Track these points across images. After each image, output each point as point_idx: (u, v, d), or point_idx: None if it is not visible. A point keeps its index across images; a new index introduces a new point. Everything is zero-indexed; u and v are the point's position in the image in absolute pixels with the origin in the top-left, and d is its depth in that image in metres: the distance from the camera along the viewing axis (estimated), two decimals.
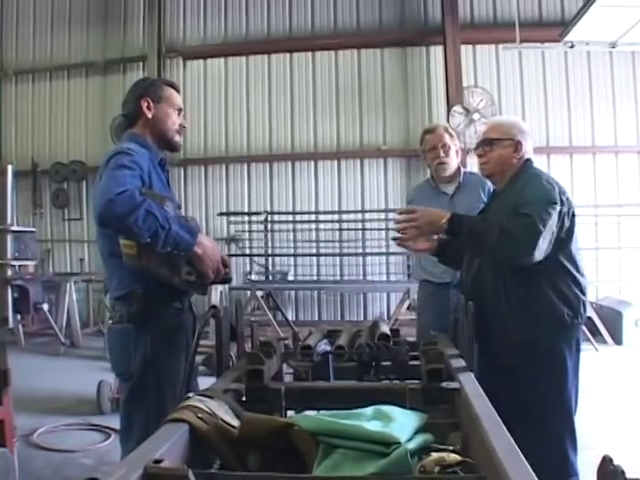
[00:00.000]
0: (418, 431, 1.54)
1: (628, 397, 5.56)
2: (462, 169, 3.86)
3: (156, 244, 2.18)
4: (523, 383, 2.52)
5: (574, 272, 2.60)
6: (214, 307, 2.14)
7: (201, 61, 10.26)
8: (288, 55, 10.11)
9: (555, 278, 2.56)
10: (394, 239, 2.85)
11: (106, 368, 6.46)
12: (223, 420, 1.54)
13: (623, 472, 0.73)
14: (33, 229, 9.22)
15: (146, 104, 2.56)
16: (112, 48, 10.41)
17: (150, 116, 2.57)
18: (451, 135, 3.80)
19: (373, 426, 1.50)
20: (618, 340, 8.05)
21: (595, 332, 7.78)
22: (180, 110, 2.68)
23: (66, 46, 10.55)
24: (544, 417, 2.53)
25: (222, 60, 10.24)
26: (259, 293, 8.68)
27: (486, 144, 2.77)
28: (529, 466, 1.14)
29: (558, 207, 2.48)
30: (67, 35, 10.54)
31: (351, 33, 10.01)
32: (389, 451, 1.38)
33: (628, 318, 8.07)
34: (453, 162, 3.75)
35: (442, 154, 3.71)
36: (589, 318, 7.08)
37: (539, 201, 2.49)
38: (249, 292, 8.76)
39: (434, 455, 1.41)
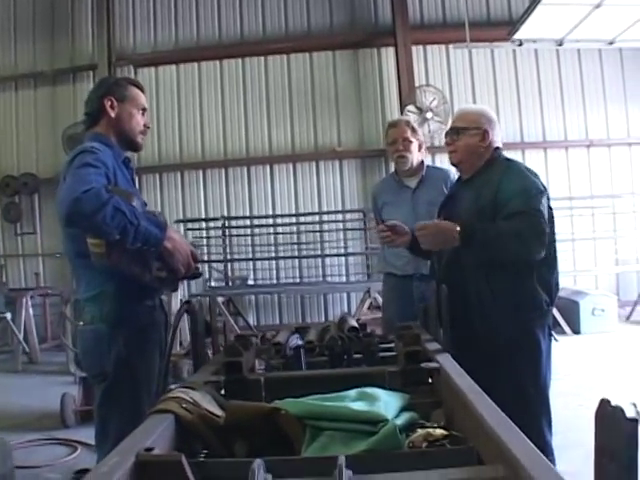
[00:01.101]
0: (403, 409, 1.56)
1: (590, 383, 5.67)
2: (425, 163, 3.91)
3: (126, 240, 2.15)
4: (501, 365, 2.55)
5: (556, 260, 2.67)
6: (188, 302, 2.13)
7: (152, 68, 10.10)
8: (240, 60, 10.05)
9: (540, 266, 2.62)
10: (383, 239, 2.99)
11: (68, 382, 6.40)
12: (207, 410, 1.53)
13: (622, 411, 0.75)
14: None
15: (109, 103, 2.53)
16: (61, 57, 10.16)
17: (113, 115, 2.54)
18: (413, 130, 3.83)
19: (359, 406, 1.50)
20: (576, 329, 8.20)
21: (554, 323, 7.91)
22: (144, 110, 2.65)
23: (12, 56, 10.25)
24: (522, 399, 2.57)
25: (173, 67, 10.12)
26: (219, 299, 8.63)
27: (454, 133, 2.81)
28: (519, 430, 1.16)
29: (545, 195, 2.56)
30: (13, 45, 10.26)
31: (302, 36, 10.01)
32: (377, 429, 1.39)
33: (585, 307, 8.23)
34: (414, 156, 3.78)
35: (401, 148, 3.75)
36: None
37: (529, 192, 2.55)
38: (209, 298, 8.68)
39: (421, 431, 1.43)
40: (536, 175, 2.68)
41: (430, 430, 1.43)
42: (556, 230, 2.75)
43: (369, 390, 1.62)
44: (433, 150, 8.49)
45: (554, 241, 2.71)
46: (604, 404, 0.77)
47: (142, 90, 2.67)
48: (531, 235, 2.48)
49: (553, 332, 7.25)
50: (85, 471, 1.12)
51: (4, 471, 0.99)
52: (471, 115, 2.86)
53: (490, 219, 2.58)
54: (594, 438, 0.80)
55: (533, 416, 2.61)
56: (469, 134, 2.77)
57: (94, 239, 2.20)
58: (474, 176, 2.80)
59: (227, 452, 1.49)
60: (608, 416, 0.76)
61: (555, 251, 2.70)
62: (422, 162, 3.86)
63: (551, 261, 2.67)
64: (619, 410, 0.75)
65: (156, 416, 1.45)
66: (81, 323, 2.43)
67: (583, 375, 6.02)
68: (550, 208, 2.67)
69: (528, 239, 2.48)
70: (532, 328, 2.65)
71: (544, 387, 2.69)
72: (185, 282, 8.76)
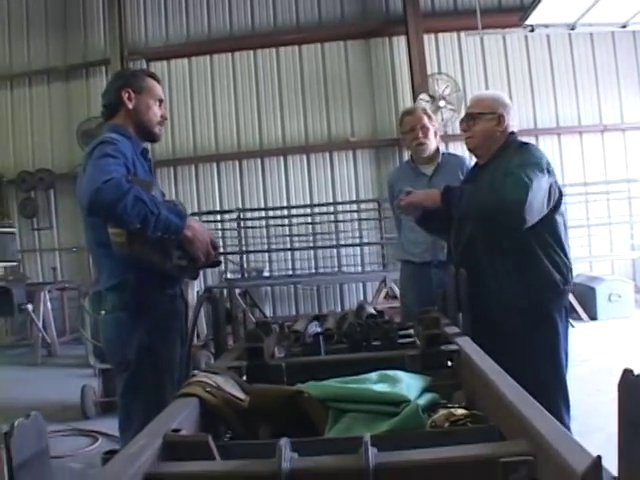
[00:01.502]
0: (424, 391, 1.57)
1: (607, 369, 5.65)
2: (441, 150, 3.91)
3: (147, 229, 2.17)
4: (518, 348, 2.55)
5: (563, 242, 2.68)
6: (209, 290, 2.15)
7: (164, 62, 10.12)
8: (252, 52, 10.06)
9: (547, 247, 2.63)
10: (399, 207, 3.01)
11: (87, 374, 6.44)
12: (231, 394, 1.55)
13: None
14: (13, 229, 9.12)
15: (127, 95, 2.56)
16: (73, 53, 10.22)
17: (131, 107, 2.56)
18: (429, 117, 3.83)
19: (380, 388, 1.52)
20: (592, 316, 8.19)
21: (570, 309, 7.88)
22: (161, 101, 2.68)
23: (25, 53, 10.34)
24: (539, 381, 2.57)
25: (186, 60, 10.15)
26: (236, 291, 8.66)
27: (470, 119, 2.83)
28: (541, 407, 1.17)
29: (547, 174, 2.55)
30: (26, 42, 10.33)
31: (314, 27, 10.00)
32: (399, 410, 1.41)
33: (601, 293, 8.22)
34: (432, 143, 3.79)
35: (421, 135, 3.75)
36: None
37: (526, 164, 2.54)
38: (227, 289, 8.72)
39: (443, 411, 1.44)
40: (542, 157, 2.67)
41: (452, 410, 1.44)
42: (571, 216, 2.75)
43: (390, 372, 1.63)
44: (446, 138, 8.47)
45: (556, 223, 2.68)
46: (627, 374, 0.79)
47: (158, 81, 2.70)
48: (510, 192, 2.44)
49: (569, 318, 7.24)
50: (114, 452, 1.14)
51: (40, 448, 1.00)
52: (486, 101, 2.87)
53: None
54: (617, 408, 0.81)
55: (551, 399, 2.60)
56: (485, 119, 2.79)
57: (115, 228, 2.22)
58: (490, 161, 2.82)
59: (251, 435, 1.50)
60: (631, 385, 0.77)
61: (560, 233, 2.70)
62: (438, 149, 3.87)
63: (559, 243, 2.67)
64: None
65: (181, 400, 1.47)
66: (103, 312, 2.46)
67: (600, 361, 6.01)
68: (561, 194, 2.67)
69: (506, 195, 2.45)
70: (549, 309, 2.66)
71: (561, 370, 2.70)
72: (201, 274, 8.80)
